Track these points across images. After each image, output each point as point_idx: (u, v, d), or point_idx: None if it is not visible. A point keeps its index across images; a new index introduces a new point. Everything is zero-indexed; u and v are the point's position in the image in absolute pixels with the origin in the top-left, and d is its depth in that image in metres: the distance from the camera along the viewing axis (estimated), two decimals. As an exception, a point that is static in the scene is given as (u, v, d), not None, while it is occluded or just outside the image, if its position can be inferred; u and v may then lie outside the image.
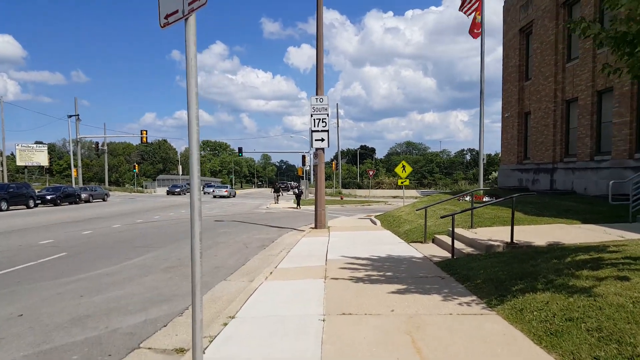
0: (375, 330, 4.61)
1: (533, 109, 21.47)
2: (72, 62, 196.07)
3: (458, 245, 8.52)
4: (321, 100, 15.75)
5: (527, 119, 22.89)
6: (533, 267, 6.38)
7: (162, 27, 3.78)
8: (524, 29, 22.53)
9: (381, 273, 7.36)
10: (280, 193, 42.84)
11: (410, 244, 10.65)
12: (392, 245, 10.52)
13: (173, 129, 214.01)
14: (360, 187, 57.82)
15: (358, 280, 6.93)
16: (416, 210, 11.63)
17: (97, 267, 9.36)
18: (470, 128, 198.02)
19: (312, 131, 15.76)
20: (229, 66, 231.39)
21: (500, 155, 27.61)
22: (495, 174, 53.46)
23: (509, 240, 8.52)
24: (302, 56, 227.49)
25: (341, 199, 43.26)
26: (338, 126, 58.34)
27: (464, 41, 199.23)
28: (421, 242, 10.60)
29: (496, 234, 9.32)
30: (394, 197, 49.68)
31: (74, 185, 44.21)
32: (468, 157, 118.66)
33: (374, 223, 17.24)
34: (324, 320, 5.00)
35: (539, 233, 9.11)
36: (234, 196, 53.17)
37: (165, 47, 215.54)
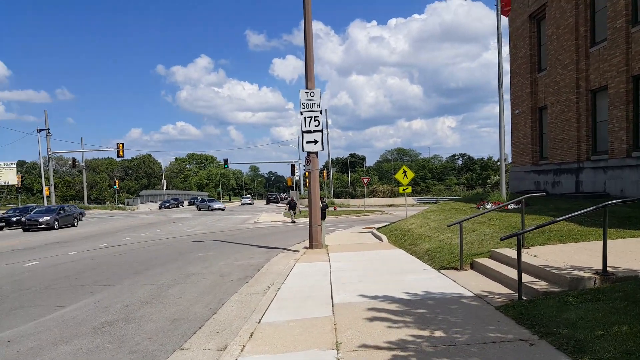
0: None
1: (550, 103, 19.11)
2: (57, 80, 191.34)
3: (516, 275, 5.86)
4: (312, 94, 13.15)
5: (542, 115, 20.54)
6: (688, 323, 3.75)
7: None
8: (535, 14, 20.27)
9: (424, 334, 4.66)
10: (298, 210, 33.41)
11: (441, 271, 7.98)
12: (418, 275, 7.84)
13: (160, 144, 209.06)
14: (353, 197, 55.19)
15: (391, 349, 4.24)
16: (448, 225, 9.05)
17: (3, 326, 6.56)
18: (458, 134, 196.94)
19: (303, 132, 13.12)
20: (214, 79, 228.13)
21: (509, 157, 25.20)
22: (495, 177, 51.38)
23: (595, 266, 5.92)
24: (287, 67, 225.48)
25: (334, 209, 40.58)
26: (327, 133, 55.96)
27: (448, 48, 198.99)
28: (455, 268, 7.94)
29: (568, 257, 6.70)
30: (389, 205, 47.23)
31: (45, 205, 40.80)
32: (460, 162, 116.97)
33: (379, 239, 14.58)
34: None
35: (622, 253, 6.52)
36: (252, 203, 66.57)
37: (150, 62, 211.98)
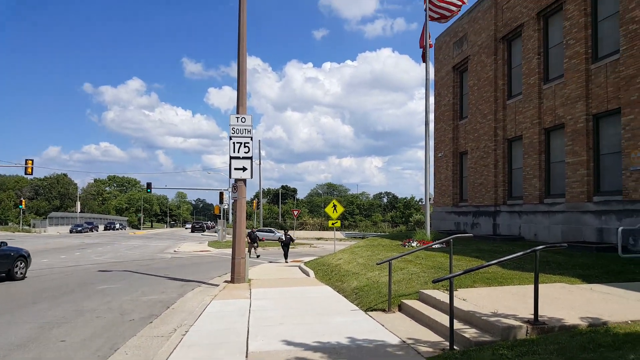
0: None
1: (470, 149, 20.17)
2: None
3: (446, 320, 5.56)
4: (243, 120, 12.58)
5: (462, 159, 21.60)
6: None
7: None
8: (458, 66, 21.65)
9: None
10: (257, 243, 25.63)
11: (369, 312, 7.52)
12: (345, 317, 7.30)
13: (80, 164, 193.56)
14: (282, 228, 54.27)
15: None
16: (377, 263, 8.68)
17: None
18: (383, 174, 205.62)
19: (231, 158, 12.39)
20: (146, 102, 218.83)
21: (432, 197, 26.10)
22: (417, 216, 53.38)
23: (523, 313, 5.78)
24: (223, 97, 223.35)
25: (262, 240, 39.33)
26: (260, 164, 55.21)
27: (377, 94, 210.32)
28: (384, 310, 7.53)
29: (496, 302, 6.56)
30: (318, 238, 47.00)
31: None
32: (385, 200, 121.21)
33: (306, 274, 13.96)
34: None
35: (547, 299, 6.49)
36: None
37: (75, 81, 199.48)
